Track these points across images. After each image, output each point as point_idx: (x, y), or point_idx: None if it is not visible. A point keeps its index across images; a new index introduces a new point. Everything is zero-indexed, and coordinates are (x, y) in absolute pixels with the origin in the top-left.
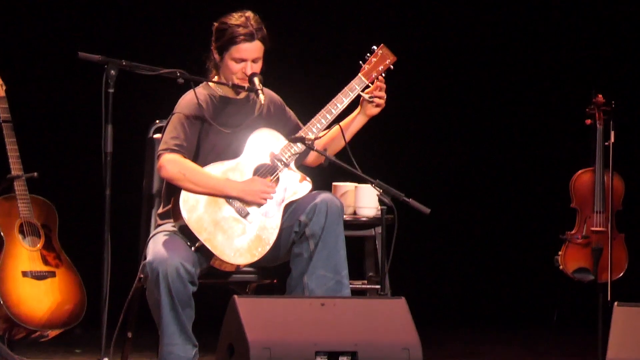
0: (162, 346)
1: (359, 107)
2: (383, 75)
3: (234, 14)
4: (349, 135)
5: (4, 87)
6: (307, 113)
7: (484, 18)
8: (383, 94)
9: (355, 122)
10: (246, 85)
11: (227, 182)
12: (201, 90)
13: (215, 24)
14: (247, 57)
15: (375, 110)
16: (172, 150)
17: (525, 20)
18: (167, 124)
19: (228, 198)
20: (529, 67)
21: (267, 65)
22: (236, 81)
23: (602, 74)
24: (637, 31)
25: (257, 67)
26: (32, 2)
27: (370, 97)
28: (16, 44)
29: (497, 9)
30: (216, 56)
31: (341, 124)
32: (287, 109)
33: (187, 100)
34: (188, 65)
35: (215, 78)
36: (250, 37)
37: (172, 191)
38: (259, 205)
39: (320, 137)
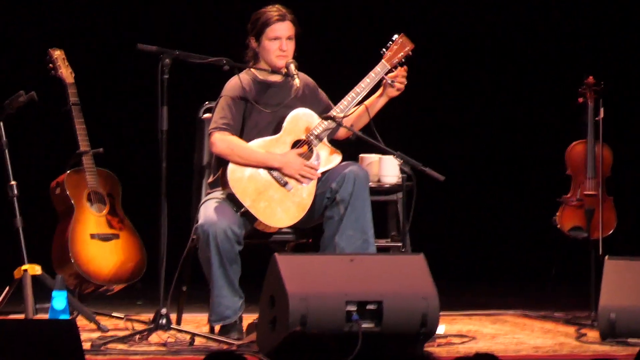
0: (212, 298)
1: (381, 89)
2: (403, 60)
3: (263, 8)
4: (372, 112)
5: (73, 75)
6: (337, 94)
7: (491, 11)
8: (404, 79)
9: (379, 102)
10: (285, 62)
11: (269, 155)
12: (244, 76)
13: (250, 19)
14: (281, 34)
15: (395, 93)
16: (221, 129)
17: (530, 12)
18: (215, 106)
19: (270, 169)
20: (532, 54)
21: (303, 55)
22: (275, 60)
23: (593, 58)
24: (624, 19)
25: (291, 45)
26: (95, 4)
27: (392, 81)
28: (83, 37)
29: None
30: (254, 44)
31: (366, 103)
32: (320, 91)
33: (232, 85)
34: (231, 54)
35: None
36: (282, 17)
37: (221, 163)
38: (295, 179)
39: (348, 115)
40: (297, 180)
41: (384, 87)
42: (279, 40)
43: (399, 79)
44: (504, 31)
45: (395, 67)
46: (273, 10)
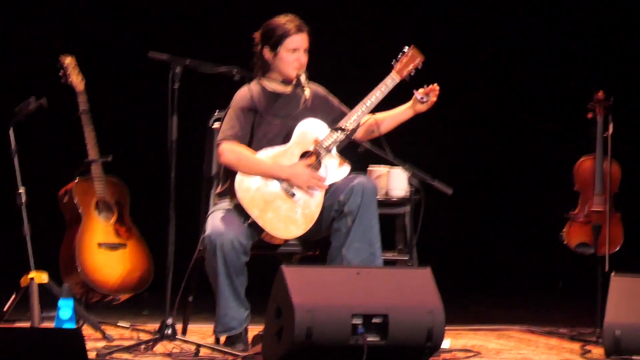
0: (218, 309)
1: (410, 102)
2: (412, 73)
3: (276, 17)
4: (394, 123)
5: (84, 82)
6: (347, 105)
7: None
8: (435, 97)
9: (404, 114)
10: (299, 75)
11: (277, 167)
12: (254, 86)
13: (262, 28)
14: (299, 46)
15: (422, 108)
16: (229, 139)
17: (541, 26)
18: (224, 116)
19: (278, 180)
20: (542, 68)
21: (314, 66)
22: (291, 71)
23: (603, 73)
24: (636, 35)
25: (306, 57)
26: (106, 12)
27: (421, 97)
28: (95, 45)
29: (509, 10)
30: (268, 55)
31: (390, 112)
32: (331, 97)
33: (241, 95)
34: (241, 63)
35: (268, 75)
36: (300, 29)
37: (229, 173)
38: (303, 190)
39: (358, 127)
40: (305, 191)
41: (414, 101)
42: (297, 52)
43: (430, 97)
44: (515, 45)
45: (406, 79)
46: (291, 21)
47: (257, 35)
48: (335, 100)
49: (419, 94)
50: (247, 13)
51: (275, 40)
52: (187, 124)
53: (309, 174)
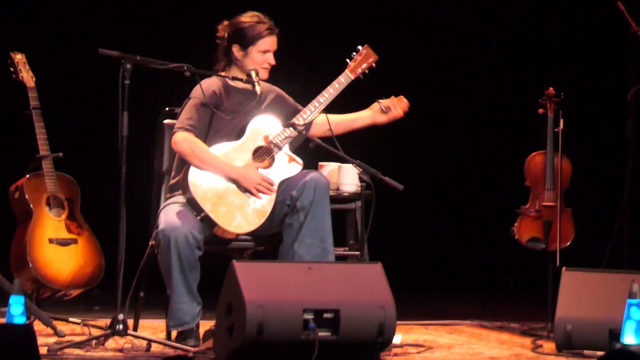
0: (171, 303)
1: (369, 110)
2: (367, 72)
3: (245, 14)
4: (350, 128)
5: (34, 79)
6: (301, 103)
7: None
8: (399, 112)
9: (362, 120)
10: (250, 72)
11: (229, 166)
12: (214, 80)
13: (232, 25)
14: (271, 48)
15: (382, 119)
16: (186, 129)
17: (491, 23)
18: (184, 106)
19: (228, 178)
20: (492, 64)
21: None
22: (260, 71)
23: (554, 69)
24: (585, 31)
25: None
26: (57, 8)
27: (386, 109)
28: (44, 41)
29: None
30: (237, 53)
31: (349, 116)
32: (286, 95)
33: (204, 87)
34: (192, 58)
35: (230, 70)
36: (272, 31)
37: (182, 166)
38: (251, 194)
39: (310, 123)
40: (253, 194)
41: (374, 110)
42: (268, 54)
43: (393, 110)
44: (466, 41)
45: (359, 78)
46: (263, 23)
47: (223, 31)
48: (290, 99)
49: (382, 104)
50: (198, 10)
51: (247, 40)
52: (138, 120)
53: (259, 176)
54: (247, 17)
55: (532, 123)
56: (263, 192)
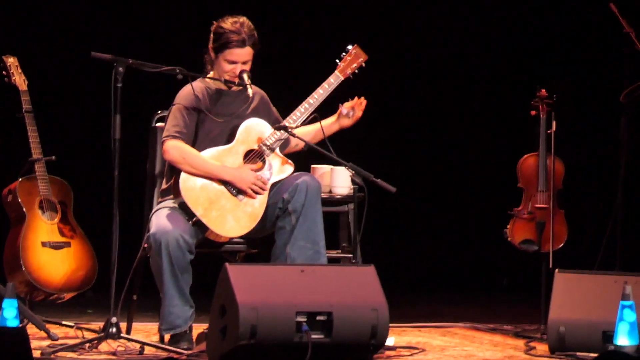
0: (163, 307)
1: (335, 116)
2: (357, 72)
3: (229, 18)
4: (318, 138)
5: (27, 82)
6: (291, 104)
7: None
8: (360, 112)
9: (330, 127)
10: (236, 81)
11: (221, 168)
12: (198, 84)
13: (213, 26)
14: (238, 60)
15: (348, 123)
16: (174, 137)
17: (484, 24)
18: (168, 114)
19: (221, 180)
20: (485, 65)
21: (259, 64)
22: (226, 78)
23: (546, 71)
24: (578, 33)
25: (246, 67)
26: (49, 12)
27: (347, 112)
28: (37, 44)
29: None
30: (212, 54)
31: (315, 126)
32: (271, 105)
33: (185, 93)
34: (185, 62)
35: (212, 73)
36: (242, 44)
37: (173, 171)
38: (246, 194)
39: (300, 126)
40: (248, 195)
41: (339, 116)
42: (235, 64)
43: (355, 111)
44: (458, 42)
45: (349, 78)
46: (235, 33)
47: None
48: (274, 109)
49: (344, 108)
50: (191, 13)
51: (217, 45)
52: (130, 123)
53: (253, 176)
54: (228, 24)
55: (524, 125)
56: (258, 192)
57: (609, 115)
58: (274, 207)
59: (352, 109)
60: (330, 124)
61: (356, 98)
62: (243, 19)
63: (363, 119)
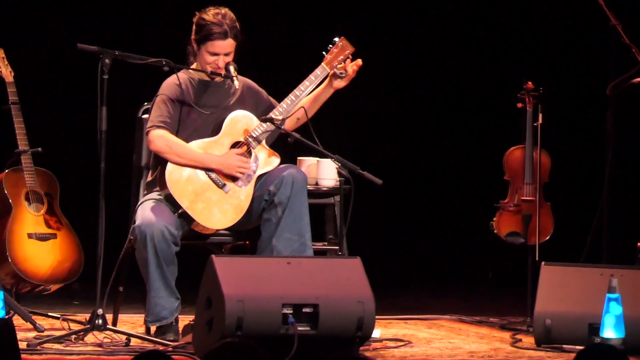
0: (149, 299)
1: (326, 81)
2: (343, 64)
3: (211, 9)
4: (317, 105)
5: (13, 74)
6: (277, 97)
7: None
8: (354, 72)
9: (324, 93)
10: (222, 72)
11: (207, 156)
12: (182, 75)
13: (195, 18)
14: (219, 52)
15: (341, 84)
16: (159, 127)
17: (470, 15)
18: (152, 105)
19: (208, 170)
20: (472, 57)
21: (245, 56)
22: (208, 69)
23: (532, 64)
24: (564, 25)
25: (229, 58)
26: (38, 1)
27: (340, 72)
28: (23, 36)
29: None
30: (194, 46)
31: (311, 96)
32: (261, 90)
33: (168, 84)
34: (171, 54)
35: (195, 64)
36: (224, 35)
37: (159, 163)
38: (235, 178)
39: (287, 117)
40: (236, 177)
41: (330, 78)
42: (217, 56)
43: (348, 72)
44: (445, 35)
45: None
46: (216, 25)
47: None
48: (264, 93)
49: (337, 69)
50: (177, 4)
51: (199, 37)
52: (117, 115)
53: (238, 159)
54: (210, 15)
55: (511, 117)
56: (246, 172)
57: (596, 108)
58: (260, 199)
59: (345, 70)
60: (323, 88)
61: (350, 61)
62: (225, 10)
63: (351, 110)
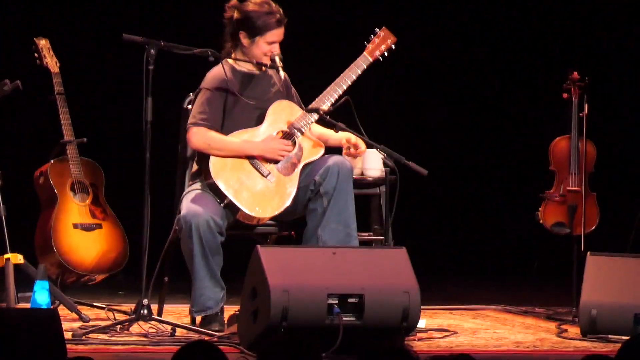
0: (194, 289)
1: (338, 140)
2: (386, 54)
3: (254, 1)
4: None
5: (58, 64)
6: (319, 87)
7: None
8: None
9: (332, 140)
10: (268, 63)
11: (247, 144)
12: (226, 65)
13: (241, 11)
14: (278, 39)
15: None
16: (197, 124)
17: (516, 7)
18: (195, 98)
19: (251, 158)
20: (517, 48)
21: (289, 47)
22: (263, 59)
23: (578, 54)
24: (611, 15)
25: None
26: None
27: (348, 147)
28: (68, 27)
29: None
30: (244, 40)
31: (326, 133)
32: (293, 89)
33: (213, 76)
34: (215, 45)
35: (234, 55)
36: (280, 23)
37: (203, 154)
38: (278, 161)
39: (333, 107)
40: (277, 160)
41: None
42: (274, 44)
43: (351, 152)
44: (489, 26)
45: (378, 60)
46: (272, 14)
47: (230, 15)
48: (294, 92)
49: (350, 153)
50: None
51: (255, 29)
52: (162, 106)
53: (279, 142)
54: (257, 6)
55: (556, 107)
56: (287, 155)
57: None
58: (306, 189)
59: (351, 156)
60: (335, 139)
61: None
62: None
63: (397, 101)
